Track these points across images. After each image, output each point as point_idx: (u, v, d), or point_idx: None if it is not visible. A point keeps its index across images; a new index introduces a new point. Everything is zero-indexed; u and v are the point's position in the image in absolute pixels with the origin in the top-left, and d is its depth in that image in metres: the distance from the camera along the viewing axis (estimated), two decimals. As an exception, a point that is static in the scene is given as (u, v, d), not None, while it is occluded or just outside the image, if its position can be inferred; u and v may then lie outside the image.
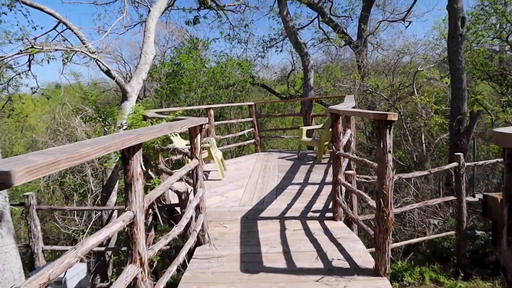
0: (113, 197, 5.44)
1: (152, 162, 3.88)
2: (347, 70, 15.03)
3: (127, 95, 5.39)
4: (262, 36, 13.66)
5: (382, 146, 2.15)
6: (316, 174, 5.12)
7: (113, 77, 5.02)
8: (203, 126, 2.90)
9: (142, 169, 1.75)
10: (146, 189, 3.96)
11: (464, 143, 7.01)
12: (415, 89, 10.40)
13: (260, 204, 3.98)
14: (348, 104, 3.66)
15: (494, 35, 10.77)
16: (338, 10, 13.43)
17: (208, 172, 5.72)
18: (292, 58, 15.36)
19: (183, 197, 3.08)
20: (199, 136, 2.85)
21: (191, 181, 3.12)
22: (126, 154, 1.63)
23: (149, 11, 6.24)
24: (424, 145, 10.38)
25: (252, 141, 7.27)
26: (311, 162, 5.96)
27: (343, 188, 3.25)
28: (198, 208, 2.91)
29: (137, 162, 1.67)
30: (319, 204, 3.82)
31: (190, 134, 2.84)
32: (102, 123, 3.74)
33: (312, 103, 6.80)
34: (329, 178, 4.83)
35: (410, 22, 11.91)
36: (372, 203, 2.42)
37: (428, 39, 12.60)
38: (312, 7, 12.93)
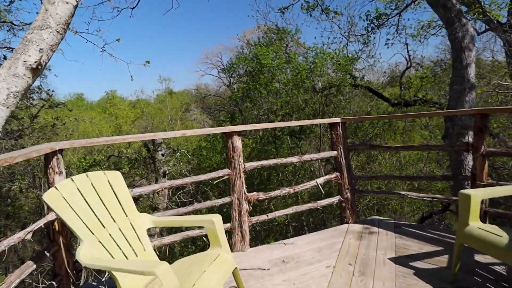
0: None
1: None
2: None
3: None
4: (367, 11, 9.62)
5: None
6: None
7: None
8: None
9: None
10: None
11: None
12: None
13: None
14: None
15: None
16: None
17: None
18: (408, 51, 11.41)
19: None
20: None
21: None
22: None
23: None
24: None
25: (335, 199, 3.45)
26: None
27: None
28: None
29: None
30: None
31: None
32: None
33: (486, 123, 3.26)
34: None
35: None
36: None
37: None
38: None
